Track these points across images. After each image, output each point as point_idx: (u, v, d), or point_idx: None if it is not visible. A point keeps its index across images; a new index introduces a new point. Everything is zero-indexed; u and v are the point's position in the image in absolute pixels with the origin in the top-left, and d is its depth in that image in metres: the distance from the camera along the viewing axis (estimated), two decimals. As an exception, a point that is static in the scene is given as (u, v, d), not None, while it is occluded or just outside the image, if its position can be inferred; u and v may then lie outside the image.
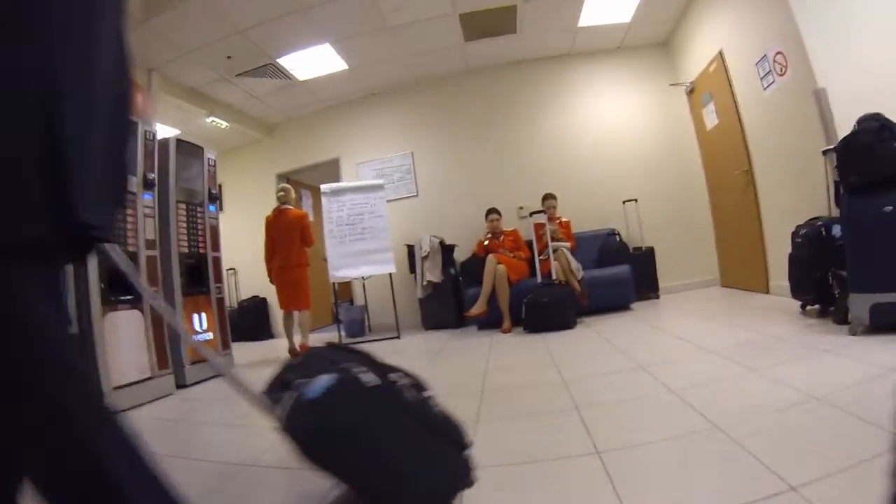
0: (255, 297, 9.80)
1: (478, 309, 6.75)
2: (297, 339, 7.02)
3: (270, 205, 7.54)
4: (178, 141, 6.01)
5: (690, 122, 8.15)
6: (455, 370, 4.93)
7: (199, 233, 6.14)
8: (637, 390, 3.27)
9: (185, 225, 5.92)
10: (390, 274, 7.73)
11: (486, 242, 7.53)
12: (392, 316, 7.80)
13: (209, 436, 3.76)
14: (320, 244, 7.93)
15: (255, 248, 8.94)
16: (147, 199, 5.38)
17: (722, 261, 7.98)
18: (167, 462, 1.25)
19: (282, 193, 7.27)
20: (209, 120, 8.56)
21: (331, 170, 9.36)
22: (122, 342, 4.82)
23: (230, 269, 10.03)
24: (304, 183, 10.54)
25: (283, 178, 9.85)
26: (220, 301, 6.34)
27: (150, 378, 5.02)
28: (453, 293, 7.87)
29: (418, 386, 2.07)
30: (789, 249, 4.87)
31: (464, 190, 8.76)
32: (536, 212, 7.12)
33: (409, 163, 9.04)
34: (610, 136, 8.52)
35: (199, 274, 6.09)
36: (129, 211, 5.10)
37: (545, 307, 6.16)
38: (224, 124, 8.81)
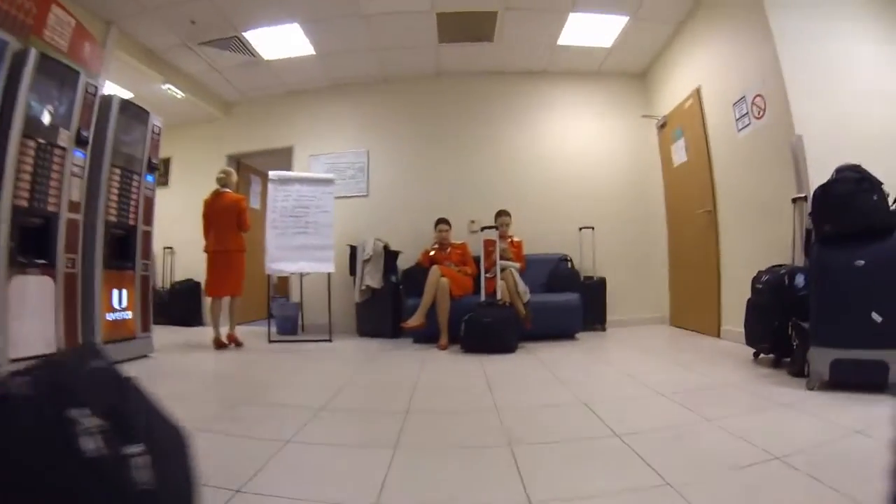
0: (189, 281, 9.26)
1: (416, 321, 6.39)
2: (224, 330, 6.69)
3: (213, 185, 7.18)
4: (123, 101, 5.60)
5: (658, 156, 7.98)
6: (382, 384, 4.64)
7: (132, 203, 5.71)
8: (579, 430, 2.98)
9: (116, 192, 5.50)
10: (329, 274, 7.40)
11: (433, 253, 7.24)
12: (326, 317, 7.45)
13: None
14: (260, 234, 7.60)
15: (196, 228, 8.52)
16: (78, 156, 4.94)
17: (674, 299, 7.77)
18: None
19: (222, 175, 7.06)
20: (165, 87, 8.05)
21: (283, 158, 8.93)
22: (28, 310, 4.39)
23: (167, 247, 9.58)
24: (254, 168, 10.10)
25: (234, 159, 9.42)
26: (146, 279, 5.90)
27: (53, 354, 4.52)
28: (392, 301, 7.51)
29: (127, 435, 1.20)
30: (747, 294, 4.73)
31: (416, 196, 8.46)
32: (488, 227, 6.93)
33: (363, 161, 8.69)
34: (575, 160, 8.32)
35: (126, 247, 5.67)
36: (55, 166, 4.66)
37: (486, 327, 5.88)
38: (180, 94, 8.32)
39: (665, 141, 7.70)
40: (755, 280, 4.63)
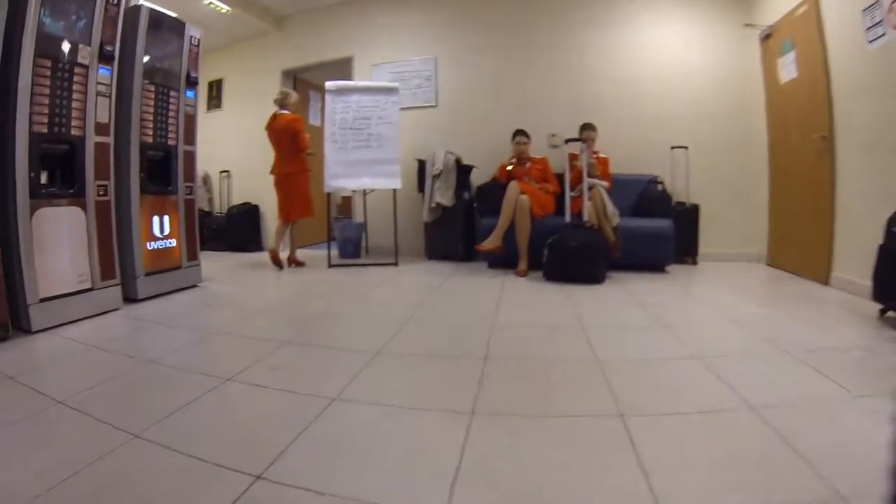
0: (246, 204, 8.92)
1: (492, 243, 5.76)
2: (285, 255, 6.86)
3: (270, 105, 6.83)
4: (153, 11, 5.01)
5: (760, 71, 6.81)
6: (453, 319, 3.96)
7: (171, 122, 5.19)
8: (704, 397, 2.33)
9: (151, 110, 4.98)
10: (394, 190, 6.77)
11: (510, 168, 6.48)
12: (392, 239, 6.90)
13: (142, 373, 2.85)
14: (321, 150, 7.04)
15: (253, 150, 8.26)
16: (103, 74, 4.40)
17: (773, 235, 6.73)
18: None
19: (279, 97, 6.78)
20: (206, 2, 7.47)
21: (343, 70, 8.26)
22: (57, 245, 4.01)
23: (223, 171, 9.25)
24: (312, 83, 9.51)
25: (289, 75, 8.87)
26: (190, 204, 5.43)
27: (89, 289, 4.22)
28: (464, 221, 6.91)
29: None
30: (867, 238, 3.93)
31: (489, 107, 7.62)
32: (572, 139, 6.13)
33: (430, 69, 7.90)
34: (665, 72, 7.22)
35: (167, 169, 5.20)
36: (77, 87, 4.16)
37: (572, 253, 5.22)
38: (225, 8, 7.73)
39: (770, 54, 6.58)
40: (891, 221, 3.70)
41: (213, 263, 7.09)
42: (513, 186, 5.90)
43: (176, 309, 4.43)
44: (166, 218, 5.10)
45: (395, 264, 6.61)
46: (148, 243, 4.89)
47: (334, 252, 7.09)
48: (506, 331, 3.45)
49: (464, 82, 7.76)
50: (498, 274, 5.82)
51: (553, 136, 7.25)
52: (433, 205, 6.81)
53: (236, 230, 8.74)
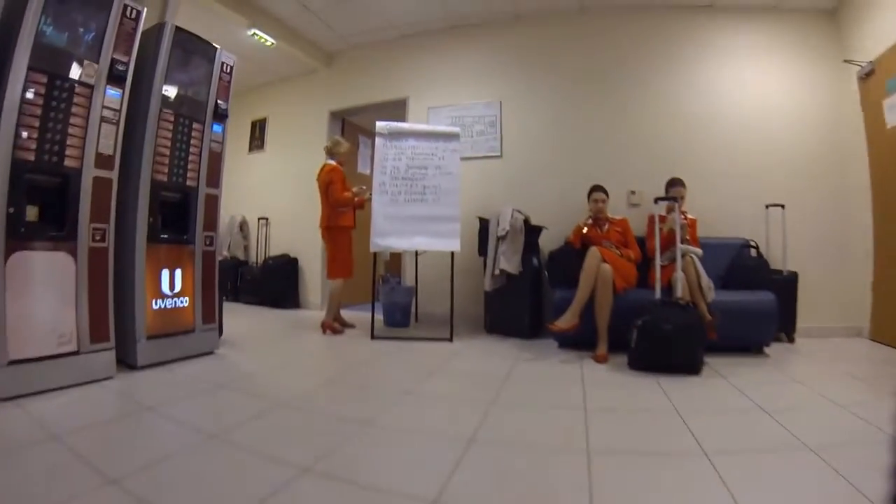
0: (284, 256, 8.16)
1: (568, 322, 4.78)
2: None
3: (319, 146, 6.42)
4: (179, 30, 4.29)
5: (860, 114, 5.81)
6: (533, 436, 2.84)
7: (191, 158, 4.42)
8: None
9: (168, 144, 4.22)
10: (452, 253, 5.78)
11: (586, 230, 5.56)
12: (446, 306, 5.95)
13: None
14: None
15: (295, 197, 7.76)
16: (111, 97, 3.69)
17: (878, 306, 5.66)
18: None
19: (328, 145, 6.30)
20: (250, 33, 6.83)
21: (396, 113, 7.44)
22: (35, 297, 3.26)
23: (262, 217, 8.54)
24: (362, 127, 8.78)
25: (338, 116, 8.17)
26: (209, 257, 4.61)
27: (74, 353, 3.45)
28: (532, 292, 5.93)
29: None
30: None
31: (560, 159, 6.69)
32: (665, 198, 5.19)
33: (494, 114, 7.03)
34: (755, 119, 6.25)
35: (183, 215, 4.40)
36: (77, 109, 3.46)
37: (667, 338, 4.20)
38: (269, 41, 7.06)
39: (871, 94, 5.59)
40: None
41: (241, 320, 6.42)
42: (594, 254, 4.96)
43: (177, 387, 3.55)
44: (178, 272, 4.28)
45: (450, 340, 5.60)
46: (154, 301, 4.07)
47: (379, 316, 6.14)
48: (608, 464, 2.39)
49: (531, 130, 6.88)
50: (571, 357, 4.85)
51: (632, 193, 6.33)
52: (497, 272, 5.82)
53: (272, 284, 7.97)
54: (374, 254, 5.91)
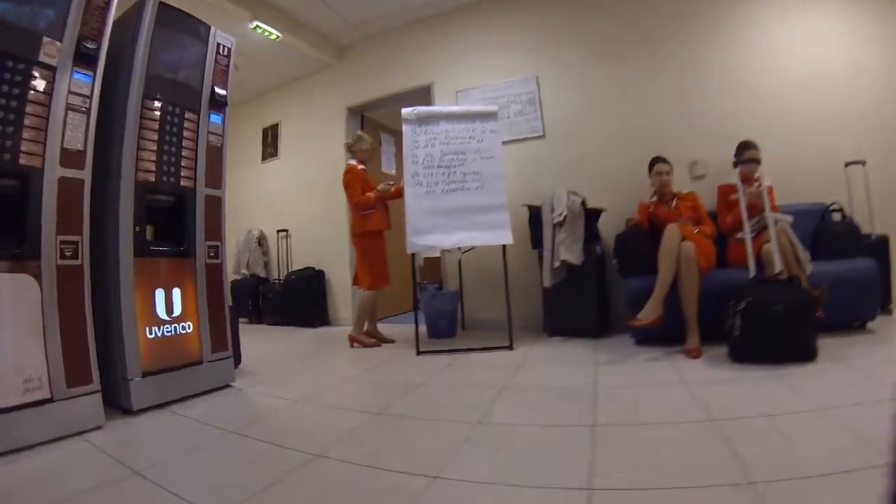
0: (308, 269, 7.39)
1: (651, 314, 3.99)
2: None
3: (337, 146, 5.88)
4: (163, 5, 3.54)
5: None
6: (671, 463, 2.02)
7: (185, 154, 3.65)
8: None
9: (155, 137, 3.45)
10: (503, 247, 4.94)
11: (652, 208, 4.79)
12: (497, 310, 5.20)
13: None
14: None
15: (315, 204, 7.15)
16: (80, 80, 2.97)
17: None
18: None
19: (348, 141, 5.79)
20: (252, 26, 6.14)
21: (420, 101, 6.41)
22: None
23: (281, 230, 7.79)
24: (384, 125, 8.02)
25: (356, 113, 7.42)
26: (215, 270, 3.82)
27: (46, 401, 2.69)
28: (597, 283, 5.10)
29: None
30: None
31: (609, 133, 5.81)
32: (744, 160, 4.47)
33: (532, 90, 6.18)
34: (827, 71, 5.30)
35: (178, 222, 3.63)
36: (34, 94, 2.75)
37: (778, 319, 3.37)
38: (274, 34, 6.37)
39: None
40: None
41: (264, 345, 5.77)
42: (672, 231, 4.16)
43: (181, 437, 2.76)
44: (177, 292, 3.50)
45: (510, 347, 4.75)
46: (148, 329, 3.30)
47: (422, 326, 5.31)
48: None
49: (574, 104, 6.02)
50: (657, 354, 4.03)
51: (694, 163, 5.47)
52: (557, 263, 5.00)
53: (297, 300, 7.20)
54: (413, 256, 5.12)
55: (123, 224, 3.20)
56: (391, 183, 5.41)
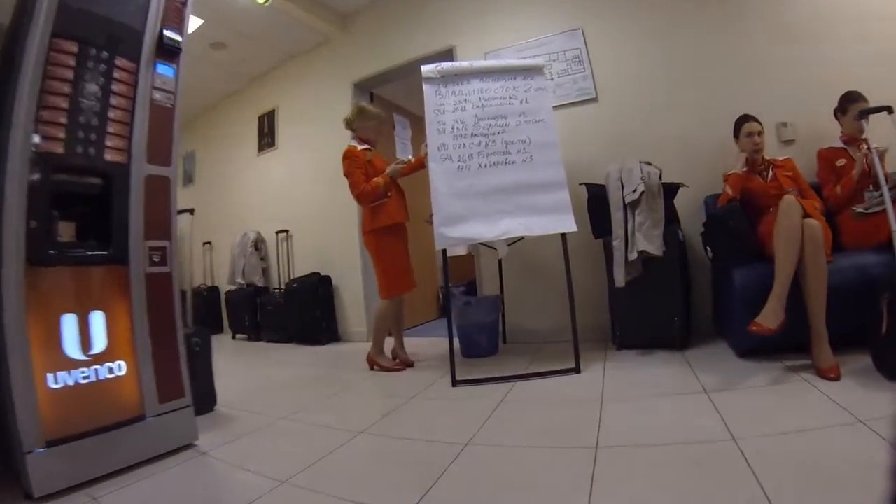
0: (313, 275, 6.23)
1: (775, 318, 2.86)
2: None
3: (342, 131, 4.64)
4: None
5: None
6: None
7: (113, 115, 2.51)
8: None
9: (66, 90, 2.34)
10: (563, 237, 3.73)
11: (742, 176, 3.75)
12: (548, 318, 4.28)
13: None
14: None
15: (320, 197, 6.30)
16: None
17: None
18: None
19: (347, 116, 4.51)
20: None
21: None
22: None
23: (281, 231, 6.70)
24: (398, 105, 6.89)
25: (364, 88, 6.27)
26: (162, 281, 2.65)
27: None
28: (682, 278, 3.89)
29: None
30: None
31: (677, 93, 4.57)
32: (871, 109, 3.27)
33: (577, 46, 4.94)
34: None
35: (103, 214, 2.47)
36: None
37: None
38: (261, -1, 5.27)
39: None
40: None
41: (255, 370, 4.93)
42: (792, 205, 3.05)
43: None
44: (98, 316, 2.35)
45: (576, 370, 3.51)
46: (51, 375, 2.17)
47: (456, 343, 4.05)
48: None
49: (631, 60, 4.79)
50: (778, 374, 2.93)
51: (784, 126, 4.29)
52: (633, 255, 3.74)
53: (299, 313, 6.03)
54: (443, 254, 3.91)
55: (9, 216, 2.09)
56: (406, 160, 4.31)
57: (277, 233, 6.75)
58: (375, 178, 4.11)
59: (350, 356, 4.96)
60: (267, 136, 7.06)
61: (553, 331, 4.46)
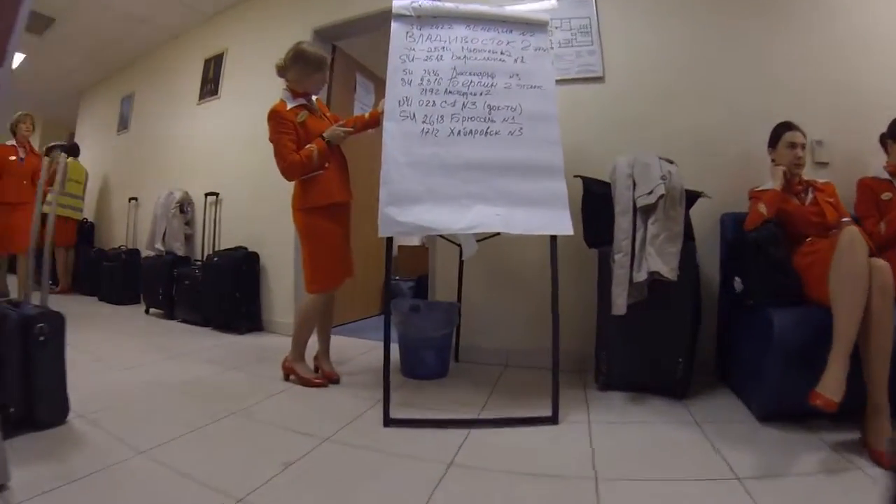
0: (239, 250, 5.26)
1: (838, 389, 2.14)
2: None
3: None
4: None
5: None
6: None
7: None
8: None
9: None
10: (553, 240, 2.86)
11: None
12: (515, 338, 3.68)
13: None
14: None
15: (257, 159, 4.96)
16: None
17: None
18: None
19: (279, 61, 3.50)
20: None
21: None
22: None
23: (211, 193, 5.80)
24: (363, 65, 5.98)
25: (327, 38, 5.31)
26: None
27: None
28: (693, 312, 3.08)
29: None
30: None
31: (699, 83, 3.88)
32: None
33: (587, 14, 4.10)
34: None
35: None
36: None
37: None
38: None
39: None
40: None
41: (148, 363, 3.86)
42: (856, 238, 2.39)
43: None
44: None
45: (553, 421, 2.65)
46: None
47: (395, 354, 3.14)
48: None
49: (647, 38, 4.01)
50: (825, 454, 2.28)
51: (819, 144, 3.59)
52: (642, 276, 2.87)
53: (218, 293, 5.07)
54: (388, 242, 2.94)
55: None
56: (352, 120, 3.49)
57: (206, 195, 5.76)
58: (308, 146, 3.20)
59: (268, 353, 4.09)
60: (210, 82, 6.09)
61: (518, 353, 3.79)
